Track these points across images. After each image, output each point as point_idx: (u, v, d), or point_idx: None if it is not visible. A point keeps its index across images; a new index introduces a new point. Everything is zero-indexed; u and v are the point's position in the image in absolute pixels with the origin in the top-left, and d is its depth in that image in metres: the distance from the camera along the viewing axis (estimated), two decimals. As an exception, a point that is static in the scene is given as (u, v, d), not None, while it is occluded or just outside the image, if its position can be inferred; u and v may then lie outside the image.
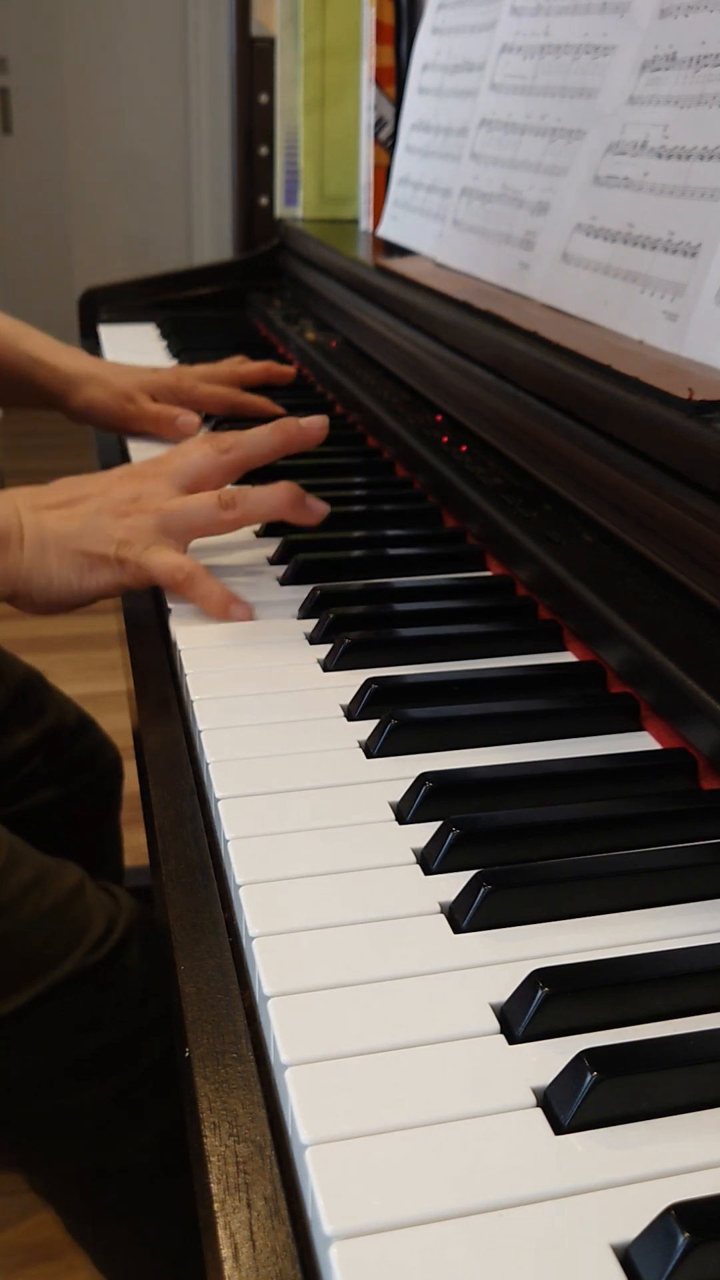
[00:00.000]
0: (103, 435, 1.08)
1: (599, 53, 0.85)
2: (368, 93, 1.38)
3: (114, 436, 1.06)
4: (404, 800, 0.50)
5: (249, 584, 0.72)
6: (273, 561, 0.76)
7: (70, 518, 0.69)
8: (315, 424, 0.76)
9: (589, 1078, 0.34)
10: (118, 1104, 0.76)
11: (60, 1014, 0.73)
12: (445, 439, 0.85)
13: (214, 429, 1.03)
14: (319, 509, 0.73)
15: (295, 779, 0.52)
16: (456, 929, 0.43)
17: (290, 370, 1.12)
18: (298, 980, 0.40)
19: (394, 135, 1.33)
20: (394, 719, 0.54)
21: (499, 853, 0.47)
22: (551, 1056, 0.37)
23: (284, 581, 0.72)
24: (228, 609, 0.67)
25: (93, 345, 1.39)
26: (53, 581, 0.67)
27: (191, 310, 1.52)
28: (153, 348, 1.36)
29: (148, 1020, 0.76)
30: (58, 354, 1.05)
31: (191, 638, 0.65)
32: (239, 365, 1.10)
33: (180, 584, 0.67)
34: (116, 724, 1.16)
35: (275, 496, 0.71)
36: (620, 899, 0.44)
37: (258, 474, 0.78)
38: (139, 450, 1.00)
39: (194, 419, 1.00)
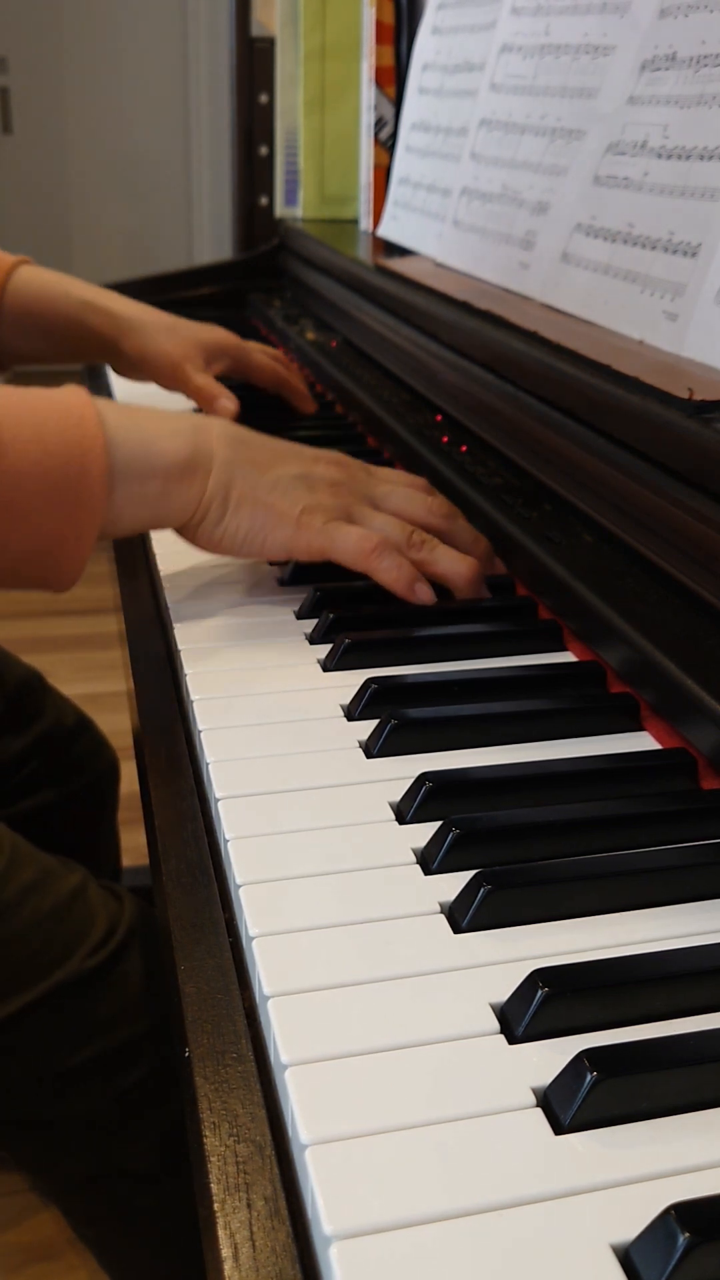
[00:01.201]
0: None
1: (599, 53, 0.85)
2: (368, 93, 1.38)
3: None
4: (404, 800, 0.50)
5: (249, 584, 0.72)
6: (273, 561, 0.76)
7: (266, 469, 0.67)
8: (481, 586, 0.70)
9: (589, 1078, 0.34)
10: (119, 1105, 0.76)
11: (61, 1017, 0.73)
12: (445, 439, 0.85)
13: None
14: (484, 595, 0.69)
15: (295, 779, 0.52)
16: (456, 929, 0.43)
17: (310, 404, 1.08)
18: (298, 980, 0.40)
19: (394, 135, 1.33)
20: (394, 719, 0.54)
21: (499, 853, 0.47)
22: (551, 1056, 0.37)
23: (284, 581, 0.72)
24: (414, 587, 0.66)
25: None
26: (224, 523, 0.67)
27: (191, 310, 1.51)
28: (153, 348, 1.35)
29: (149, 1022, 0.76)
30: (112, 299, 1.02)
31: (191, 637, 0.65)
32: (283, 355, 1.08)
33: (368, 554, 0.66)
34: (116, 724, 1.16)
35: (460, 564, 0.68)
36: (620, 899, 0.44)
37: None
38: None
39: (233, 406, 0.98)
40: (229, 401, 0.98)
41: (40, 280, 1.00)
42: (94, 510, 0.62)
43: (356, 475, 0.71)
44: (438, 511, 0.71)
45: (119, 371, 1.04)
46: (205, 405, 0.98)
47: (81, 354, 1.05)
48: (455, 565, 0.68)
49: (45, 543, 0.62)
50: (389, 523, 0.68)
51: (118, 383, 1.12)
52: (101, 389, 1.17)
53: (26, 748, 1.09)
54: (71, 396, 0.64)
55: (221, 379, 1.01)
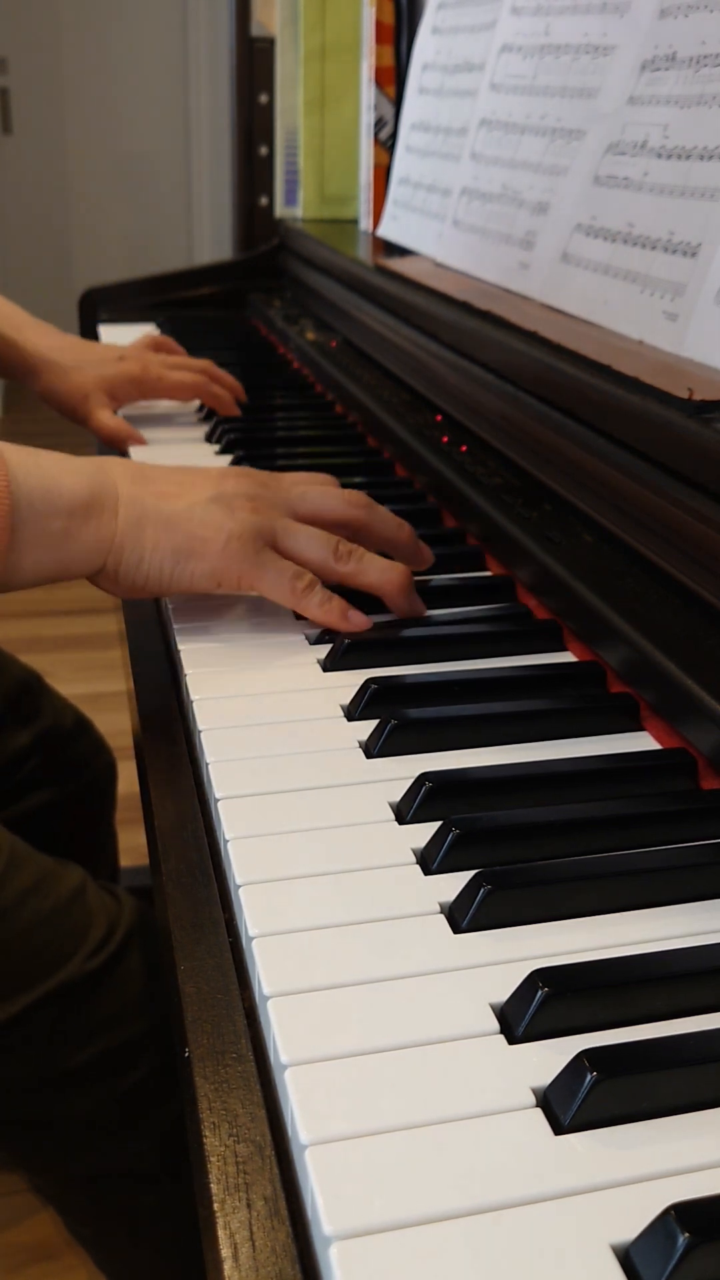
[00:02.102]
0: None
1: (599, 53, 0.85)
2: (368, 93, 1.38)
3: None
4: (404, 800, 0.50)
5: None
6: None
7: (177, 499, 0.64)
8: (429, 555, 0.71)
9: (589, 1078, 0.34)
10: (120, 1106, 0.76)
11: (61, 1017, 0.73)
12: (445, 439, 0.85)
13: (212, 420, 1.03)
14: (420, 608, 0.67)
15: (295, 779, 0.52)
16: (456, 929, 0.43)
17: (232, 409, 1.06)
18: (297, 980, 0.40)
19: (394, 135, 1.33)
20: (394, 719, 0.54)
21: (499, 853, 0.47)
22: (551, 1056, 0.37)
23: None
24: (347, 618, 0.64)
25: (93, 345, 1.39)
26: (144, 561, 0.63)
27: (191, 310, 1.52)
28: (153, 348, 1.35)
29: (149, 1022, 0.76)
30: (23, 330, 1.01)
31: (191, 638, 0.65)
32: (213, 365, 1.08)
33: (298, 593, 0.63)
34: (116, 724, 1.16)
35: (390, 573, 0.66)
36: (620, 899, 0.44)
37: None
38: (142, 457, 1.00)
39: (141, 441, 0.98)
40: (138, 440, 0.98)
41: None
42: None
43: (268, 484, 0.68)
44: (356, 503, 0.69)
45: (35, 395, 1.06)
46: (111, 443, 0.99)
47: (6, 376, 1.06)
48: (386, 574, 0.66)
49: None
50: (312, 540, 0.65)
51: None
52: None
53: (25, 748, 1.09)
54: None
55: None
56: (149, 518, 0.63)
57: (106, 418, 0.99)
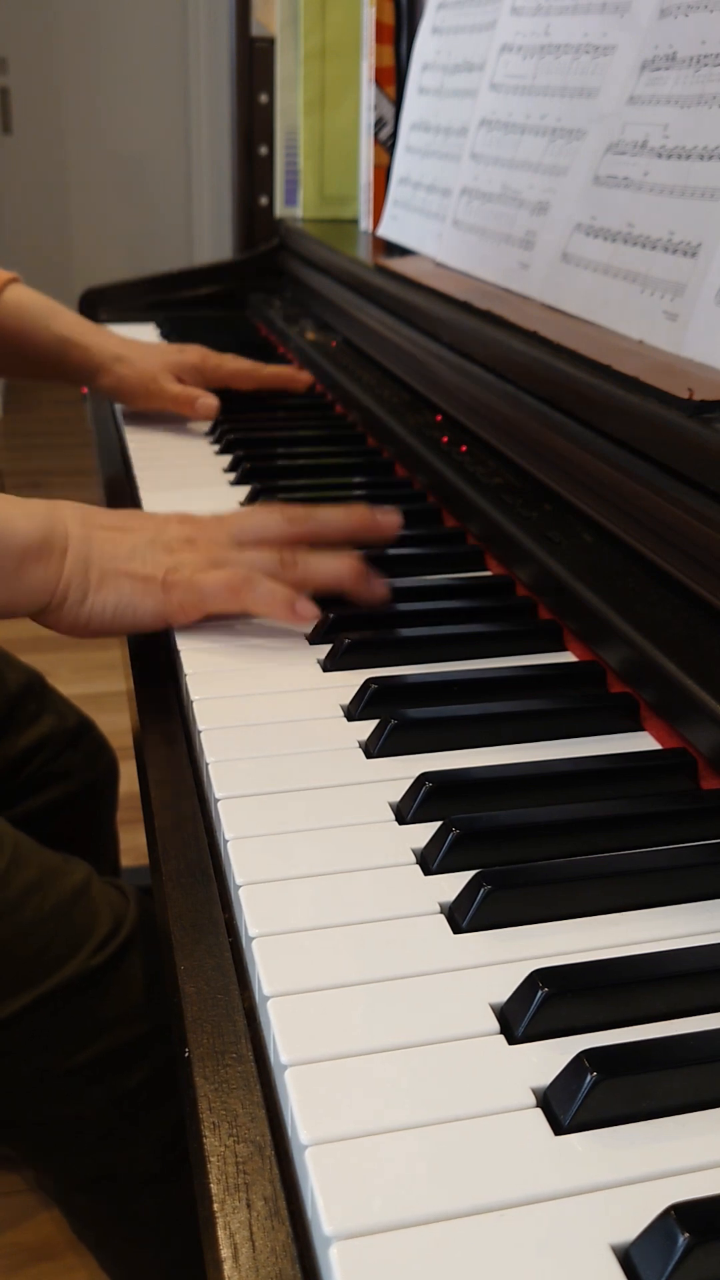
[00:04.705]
0: (102, 437, 1.09)
1: (599, 53, 0.85)
2: (368, 93, 1.38)
3: (114, 438, 1.07)
4: (404, 800, 0.50)
5: (249, 584, 0.72)
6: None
7: (120, 542, 0.66)
8: (390, 520, 0.73)
9: (589, 1078, 0.34)
10: (121, 1106, 0.76)
11: (65, 1015, 0.73)
12: (445, 439, 0.85)
13: (230, 411, 1.06)
14: (380, 590, 0.68)
15: (295, 779, 0.52)
16: (456, 929, 0.43)
17: (307, 378, 1.15)
18: (297, 980, 0.40)
19: (394, 135, 1.33)
20: (394, 719, 0.54)
21: (499, 853, 0.47)
22: (551, 1056, 0.37)
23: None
24: (294, 608, 0.64)
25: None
26: (89, 601, 0.65)
27: (191, 310, 1.52)
28: (153, 348, 1.35)
29: (152, 1021, 0.76)
30: (88, 334, 1.08)
31: (191, 638, 0.65)
32: (261, 365, 1.15)
33: (238, 591, 0.64)
34: (117, 724, 1.16)
35: (337, 567, 0.67)
36: (620, 899, 0.44)
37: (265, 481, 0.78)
38: (139, 443, 1.01)
39: (213, 401, 1.05)
40: (208, 398, 1.05)
41: (22, 308, 1.08)
42: None
43: (207, 526, 0.69)
44: (296, 517, 0.70)
45: (99, 394, 1.11)
46: (186, 408, 1.05)
47: (59, 381, 1.13)
48: (334, 567, 0.67)
49: None
50: (256, 555, 0.66)
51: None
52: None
53: (28, 749, 1.09)
54: None
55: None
56: (94, 561, 0.65)
57: (177, 387, 1.07)
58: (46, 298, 1.11)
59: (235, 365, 1.11)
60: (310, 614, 0.65)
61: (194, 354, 1.11)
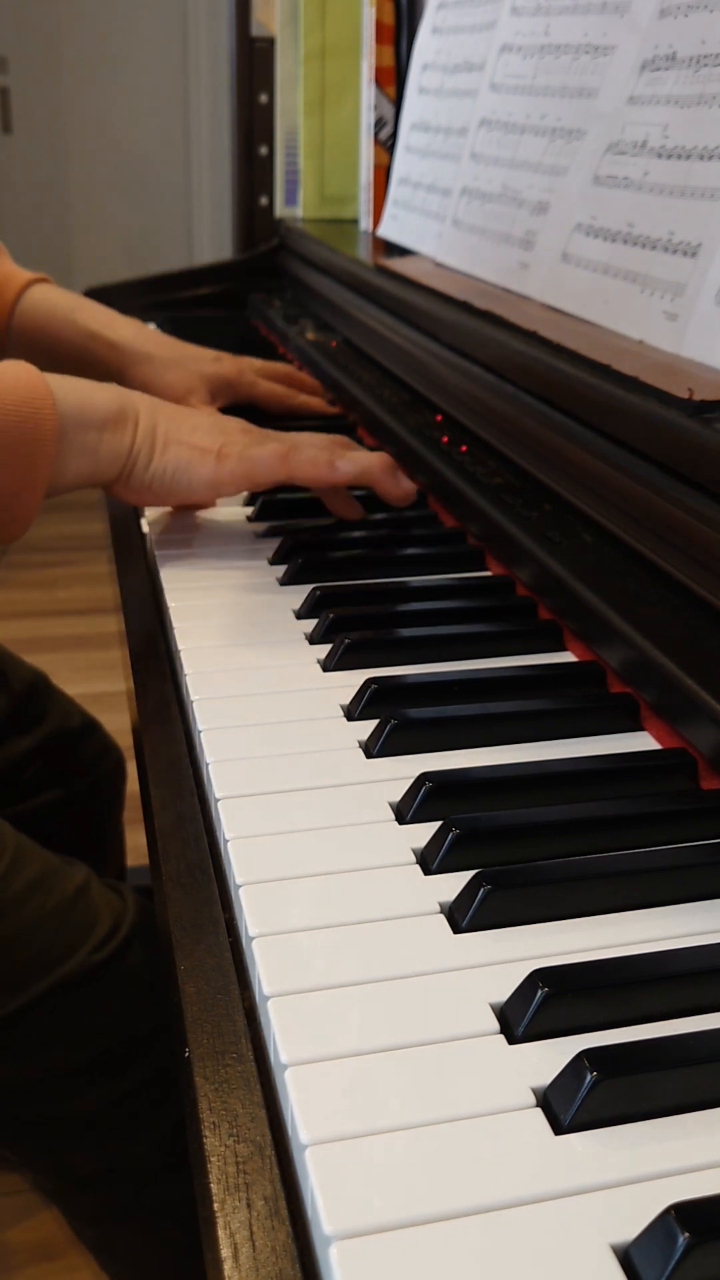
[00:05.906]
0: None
1: (599, 53, 0.85)
2: (368, 93, 1.38)
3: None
4: (404, 800, 0.50)
5: (249, 583, 0.72)
6: (272, 562, 0.76)
7: (184, 418, 0.75)
8: (408, 487, 0.81)
9: (589, 1078, 0.34)
10: (122, 1106, 0.76)
11: (64, 1014, 0.73)
12: (445, 439, 0.85)
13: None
14: (409, 486, 0.79)
15: (295, 779, 0.52)
16: (456, 929, 0.43)
17: (328, 409, 1.07)
18: (297, 980, 0.40)
19: (394, 135, 1.33)
20: (394, 719, 0.54)
21: (499, 853, 0.47)
22: (551, 1056, 0.37)
23: (284, 581, 0.72)
24: (335, 466, 0.74)
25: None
26: (153, 465, 0.73)
27: (191, 310, 1.52)
28: (153, 348, 1.35)
29: (152, 1020, 0.76)
30: (115, 327, 1.02)
31: (191, 637, 0.65)
32: (295, 370, 1.09)
33: (285, 458, 0.73)
34: (118, 724, 1.16)
35: (373, 460, 0.77)
36: (620, 899, 0.44)
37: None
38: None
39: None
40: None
41: (49, 304, 1.02)
42: (46, 462, 0.68)
43: (264, 429, 0.78)
44: (337, 440, 0.79)
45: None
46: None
47: (91, 376, 1.06)
48: (368, 455, 0.77)
49: (3, 497, 0.67)
50: (311, 441, 0.76)
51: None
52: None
53: (32, 748, 1.09)
54: (14, 366, 0.69)
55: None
56: (160, 427, 0.74)
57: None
58: (74, 294, 1.05)
59: (269, 389, 1.03)
60: (348, 468, 0.75)
61: (230, 367, 1.02)
